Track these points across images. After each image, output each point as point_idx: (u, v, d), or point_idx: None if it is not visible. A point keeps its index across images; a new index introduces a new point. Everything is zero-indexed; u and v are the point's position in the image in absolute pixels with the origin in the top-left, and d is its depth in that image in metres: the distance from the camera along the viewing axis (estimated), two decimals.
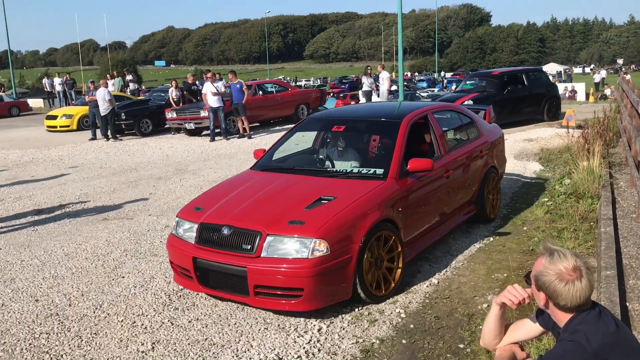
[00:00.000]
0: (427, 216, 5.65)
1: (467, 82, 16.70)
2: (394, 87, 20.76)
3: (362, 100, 19.59)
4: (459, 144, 6.61)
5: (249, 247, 4.48)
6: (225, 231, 4.63)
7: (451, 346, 4.04)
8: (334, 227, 4.45)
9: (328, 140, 6.55)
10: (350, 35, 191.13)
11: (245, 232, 4.55)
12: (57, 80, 30.00)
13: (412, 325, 4.37)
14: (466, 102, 13.74)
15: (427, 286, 5.10)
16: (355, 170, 5.50)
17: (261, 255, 4.41)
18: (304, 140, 6.80)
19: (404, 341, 4.14)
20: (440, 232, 5.95)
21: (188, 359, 3.95)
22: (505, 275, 5.29)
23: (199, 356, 3.98)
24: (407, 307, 4.68)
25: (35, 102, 32.07)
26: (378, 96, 19.13)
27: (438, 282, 5.18)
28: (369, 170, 5.41)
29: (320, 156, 6.29)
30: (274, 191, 5.20)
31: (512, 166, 10.14)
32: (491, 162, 7.01)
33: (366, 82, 19.37)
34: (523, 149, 12.18)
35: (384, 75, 19.21)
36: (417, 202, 5.45)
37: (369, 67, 20.11)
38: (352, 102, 22.58)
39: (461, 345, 4.04)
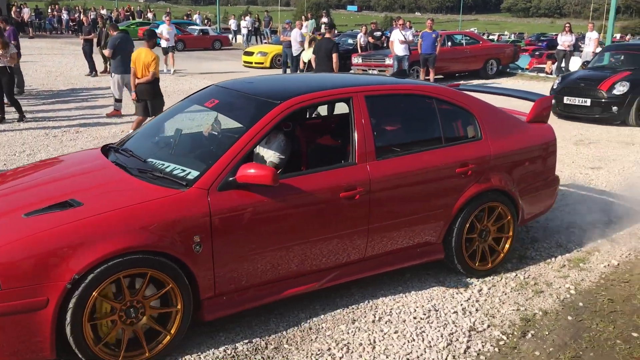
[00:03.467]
0: (286, 259, 3.68)
1: (604, 57, 12.77)
2: (599, 49, 18.86)
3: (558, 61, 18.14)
4: (414, 149, 4.23)
5: None
6: None
7: (623, 332, 3.75)
8: (18, 252, 2.95)
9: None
10: None
11: None
12: (242, 23, 31.66)
13: (581, 304, 4.12)
14: (618, 86, 10.67)
15: (604, 266, 4.73)
16: (171, 168, 3.67)
17: None
18: None
19: (569, 318, 3.92)
20: (330, 280, 3.91)
21: (351, 291, 4.16)
22: None
23: (358, 293, 4.17)
24: (578, 284, 4.41)
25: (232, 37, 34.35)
26: (580, 57, 17.57)
27: (618, 264, 4.78)
28: (184, 171, 3.59)
29: (172, 140, 4.39)
30: (50, 180, 3.86)
31: None
32: (494, 183, 4.38)
33: (560, 39, 17.85)
34: None
35: (592, 36, 17.55)
36: (258, 235, 3.52)
37: (568, 24, 18.48)
38: (548, 62, 20.97)
39: (635, 334, 3.73)
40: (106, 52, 10.71)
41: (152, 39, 8.84)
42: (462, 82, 15.22)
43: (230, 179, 3.44)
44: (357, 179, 3.83)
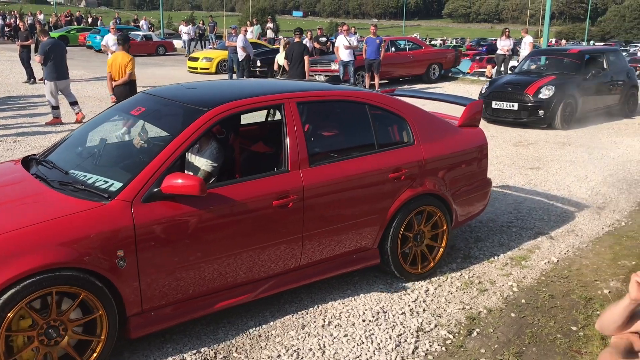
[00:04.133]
0: (217, 271, 3.55)
1: (530, 62, 13.18)
2: None
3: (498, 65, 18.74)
4: (347, 155, 4.19)
5: None
6: None
7: (563, 327, 3.89)
8: None
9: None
10: None
11: None
12: (183, 29, 30.96)
13: (523, 300, 4.25)
14: (544, 90, 10.88)
15: (545, 263, 4.90)
16: (93, 180, 3.48)
17: None
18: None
19: (512, 314, 4.04)
20: (265, 290, 3.80)
21: (300, 297, 4.16)
22: (634, 263, 4.94)
23: (307, 298, 4.17)
24: (520, 282, 4.54)
25: (179, 43, 33.84)
26: (517, 62, 18.14)
27: (557, 261, 4.96)
28: (106, 183, 3.41)
29: (96, 150, 4.16)
30: None
31: None
32: (427, 187, 4.41)
33: (499, 44, 18.41)
34: None
35: (527, 40, 18.16)
36: (187, 247, 3.38)
37: (507, 29, 19.09)
38: (488, 66, 21.62)
39: (574, 328, 3.87)
40: (37, 58, 10.43)
41: (126, 43, 9.20)
42: (398, 87, 15.51)
43: (155, 189, 3.29)
44: (290, 186, 3.76)
